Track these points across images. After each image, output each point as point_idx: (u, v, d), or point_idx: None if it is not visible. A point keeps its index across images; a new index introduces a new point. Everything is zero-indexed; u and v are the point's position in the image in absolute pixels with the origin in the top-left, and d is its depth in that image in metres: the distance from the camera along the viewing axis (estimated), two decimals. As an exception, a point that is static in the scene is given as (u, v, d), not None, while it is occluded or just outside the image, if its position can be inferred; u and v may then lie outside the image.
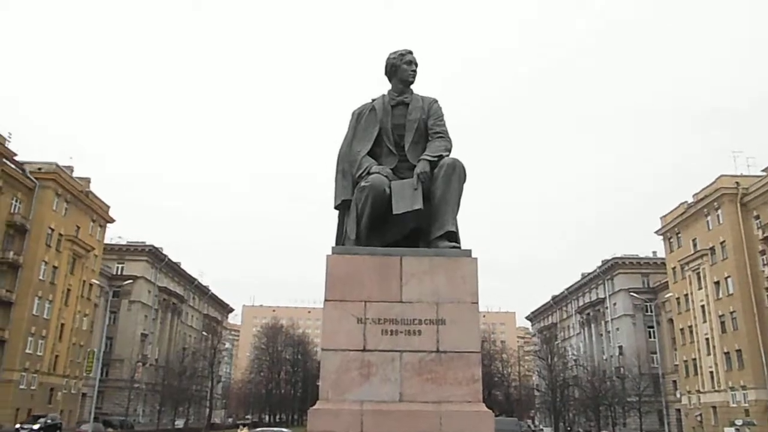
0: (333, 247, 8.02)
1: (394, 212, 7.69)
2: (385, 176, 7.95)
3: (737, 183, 60.37)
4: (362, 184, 7.91)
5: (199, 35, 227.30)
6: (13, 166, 54.45)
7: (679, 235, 69.61)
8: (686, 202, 68.17)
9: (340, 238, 8.43)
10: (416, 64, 8.90)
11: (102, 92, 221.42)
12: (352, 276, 7.47)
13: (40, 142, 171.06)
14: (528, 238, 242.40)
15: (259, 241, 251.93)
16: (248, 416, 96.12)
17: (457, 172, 8.00)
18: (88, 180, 67.36)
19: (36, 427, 42.20)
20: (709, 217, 63.47)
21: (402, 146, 8.45)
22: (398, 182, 7.94)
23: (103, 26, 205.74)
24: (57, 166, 60.34)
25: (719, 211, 61.63)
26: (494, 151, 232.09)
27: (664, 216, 72.95)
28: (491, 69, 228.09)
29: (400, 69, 8.74)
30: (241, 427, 20.95)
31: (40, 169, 58.16)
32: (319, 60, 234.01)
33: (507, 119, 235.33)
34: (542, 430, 75.98)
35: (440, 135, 8.50)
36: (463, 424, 6.84)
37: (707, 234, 63.44)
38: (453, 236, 7.86)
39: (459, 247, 7.80)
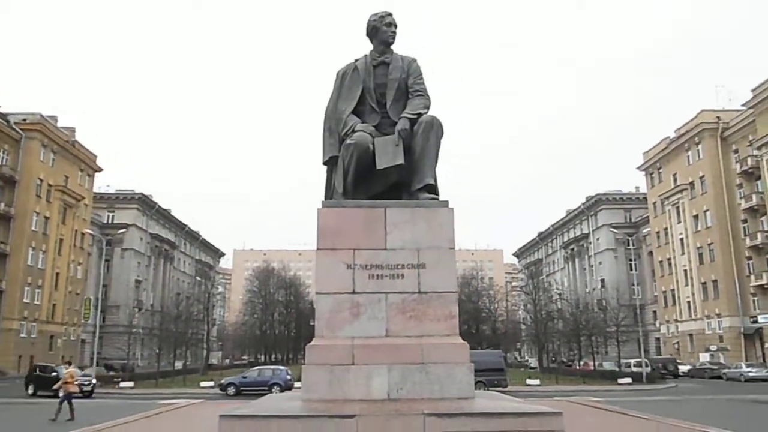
0: (323, 201, 8.87)
1: (378, 167, 8.51)
2: (369, 134, 8.72)
3: (718, 118, 60.91)
4: (348, 141, 8.68)
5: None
6: (-3, 118, 54.22)
7: (661, 170, 70.84)
8: (668, 137, 69.01)
9: (329, 191, 9.26)
10: (395, 26, 9.51)
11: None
12: (341, 227, 8.36)
13: (23, 95, 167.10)
14: (518, 176, 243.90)
15: (246, 184, 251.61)
16: (244, 357, 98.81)
17: (435, 129, 8.78)
18: (72, 130, 67.05)
19: (93, 381, 34.12)
20: (689, 152, 64.49)
21: (384, 104, 9.20)
22: (381, 139, 8.71)
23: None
24: (41, 116, 59.94)
25: (699, 146, 62.61)
26: (481, 85, 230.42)
27: (647, 152, 73.94)
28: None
29: (381, 30, 9.37)
30: (66, 366, 20.99)
31: (24, 120, 57.87)
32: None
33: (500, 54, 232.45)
34: (527, 361, 79.04)
35: (419, 93, 9.24)
36: (442, 354, 7.87)
37: (687, 169, 64.64)
38: (432, 188, 8.73)
39: (437, 199, 8.67)
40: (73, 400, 19.63)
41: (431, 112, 9.05)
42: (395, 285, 8.13)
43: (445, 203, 8.60)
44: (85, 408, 21.57)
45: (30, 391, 32.54)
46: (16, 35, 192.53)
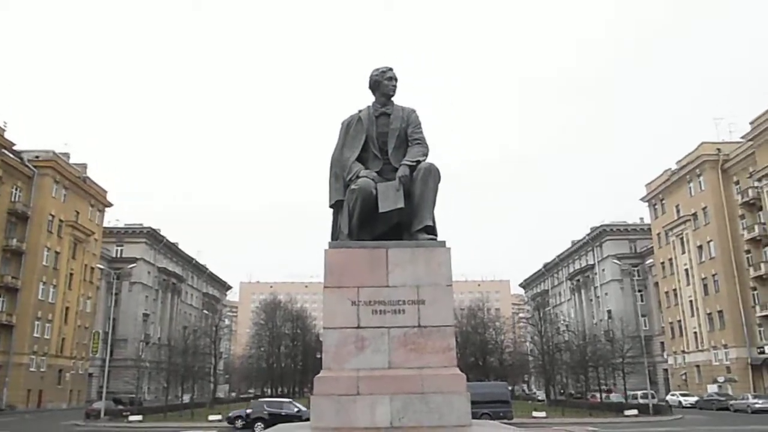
0: (330, 242, 9.55)
1: (380, 210, 9.22)
2: (372, 179, 9.45)
3: (719, 150, 61.54)
4: (352, 186, 9.41)
5: (197, 33, 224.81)
6: (11, 155, 55.45)
7: (663, 201, 71.31)
8: (670, 169, 69.64)
9: (335, 232, 9.96)
10: (396, 80, 10.34)
11: (92, 88, 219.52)
12: (346, 266, 9.02)
13: (34, 132, 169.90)
14: (527, 205, 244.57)
15: (253, 217, 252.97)
16: (251, 390, 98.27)
17: (433, 175, 9.53)
18: (84, 166, 68.37)
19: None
20: (691, 184, 65.04)
21: (386, 152, 9.94)
22: (383, 184, 9.45)
23: (100, 22, 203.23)
24: (54, 153, 61.23)
25: (701, 178, 63.18)
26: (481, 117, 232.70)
27: (649, 183, 74.53)
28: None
29: (382, 84, 10.17)
30: None
31: (37, 157, 59.14)
32: (316, 53, 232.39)
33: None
34: (535, 393, 78.38)
35: (418, 141, 9.99)
36: (441, 384, 8.44)
37: (690, 200, 65.09)
38: (431, 229, 9.42)
39: (436, 239, 9.36)
40: None
41: (429, 159, 9.80)
42: (397, 320, 8.72)
43: (443, 243, 9.24)
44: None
45: None
46: (22, 71, 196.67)
